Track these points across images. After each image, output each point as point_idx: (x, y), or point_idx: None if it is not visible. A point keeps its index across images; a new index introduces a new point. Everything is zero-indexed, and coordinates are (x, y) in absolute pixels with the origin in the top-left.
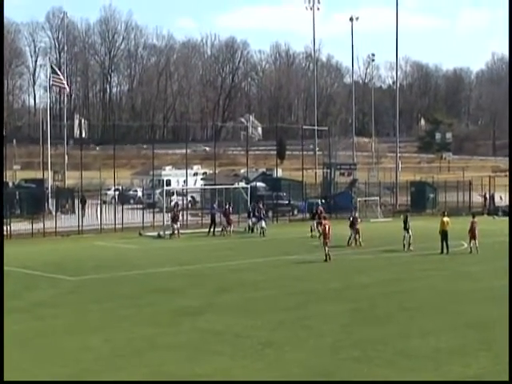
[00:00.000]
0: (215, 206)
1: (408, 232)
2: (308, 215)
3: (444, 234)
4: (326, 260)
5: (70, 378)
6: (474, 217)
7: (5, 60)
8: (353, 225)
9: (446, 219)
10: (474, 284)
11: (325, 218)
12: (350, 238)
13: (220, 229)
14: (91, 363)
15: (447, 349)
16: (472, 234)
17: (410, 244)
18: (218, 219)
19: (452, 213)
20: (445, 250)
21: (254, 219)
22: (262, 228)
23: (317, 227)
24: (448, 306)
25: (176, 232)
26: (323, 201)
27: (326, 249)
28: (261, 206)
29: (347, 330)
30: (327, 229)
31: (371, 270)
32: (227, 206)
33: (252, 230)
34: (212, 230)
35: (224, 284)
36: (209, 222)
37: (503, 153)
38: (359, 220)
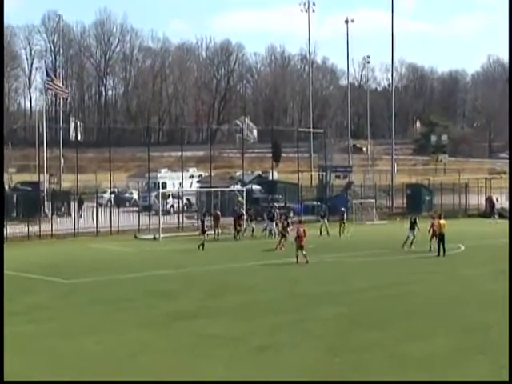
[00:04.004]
0: (238, 209)
1: (414, 232)
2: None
3: (441, 237)
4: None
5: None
6: (438, 217)
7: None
8: (413, 227)
9: (442, 222)
10: (471, 288)
11: (285, 220)
12: (407, 240)
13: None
14: (85, 367)
15: (443, 353)
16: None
17: (412, 243)
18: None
19: (448, 215)
20: (441, 253)
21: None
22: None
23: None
24: (444, 310)
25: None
26: (283, 204)
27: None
28: (274, 210)
29: (344, 333)
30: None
31: (367, 273)
32: (218, 211)
33: (270, 233)
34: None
35: (220, 287)
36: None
37: (499, 155)
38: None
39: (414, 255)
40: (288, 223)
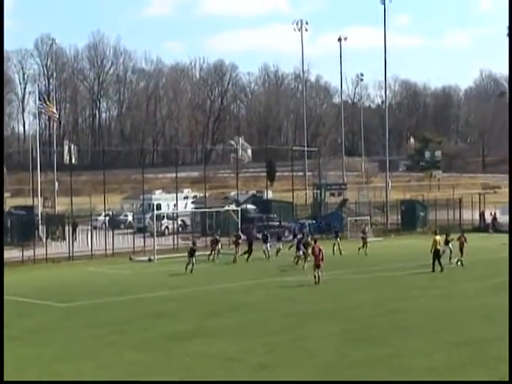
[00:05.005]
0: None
1: (449, 246)
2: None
3: (436, 253)
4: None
5: None
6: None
7: None
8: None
9: (437, 238)
10: (467, 302)
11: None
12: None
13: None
14: None
15: (442, 367)
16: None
17: (450, 258)
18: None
19: (443, 231)
20: (437, 268)
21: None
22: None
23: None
24: (443, 325)
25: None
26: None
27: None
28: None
29: (341, 350)
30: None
31: (365, 289)
32: (217, 235)
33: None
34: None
35: (216, 307)
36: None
37: (492, 170)
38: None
39: (412, 271)
40: (308, 242)
